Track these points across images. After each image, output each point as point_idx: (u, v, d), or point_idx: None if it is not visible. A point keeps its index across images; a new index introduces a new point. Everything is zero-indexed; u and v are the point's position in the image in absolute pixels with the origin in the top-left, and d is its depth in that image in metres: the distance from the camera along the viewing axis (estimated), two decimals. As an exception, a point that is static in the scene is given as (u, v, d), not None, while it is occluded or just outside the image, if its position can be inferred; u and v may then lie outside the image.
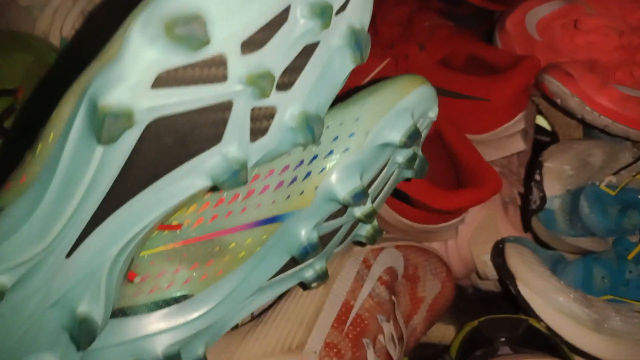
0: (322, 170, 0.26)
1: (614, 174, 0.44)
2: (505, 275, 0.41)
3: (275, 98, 0.22)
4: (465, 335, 0.41)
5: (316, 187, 0.26)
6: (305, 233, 0.26)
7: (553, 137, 0.55)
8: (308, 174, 0.26)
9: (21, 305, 0.22)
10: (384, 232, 0.47)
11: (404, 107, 0.26)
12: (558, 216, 0.43)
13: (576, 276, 0.42)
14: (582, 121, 0.48)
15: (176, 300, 0.25)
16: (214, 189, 0.23)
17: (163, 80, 0.19)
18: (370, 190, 0.28)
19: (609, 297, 0.40)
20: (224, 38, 0.19)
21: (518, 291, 0.40)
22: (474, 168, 0.42)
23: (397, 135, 0.26)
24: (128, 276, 0.25)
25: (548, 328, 0.39)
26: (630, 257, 0.42)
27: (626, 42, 0.47)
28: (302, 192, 0.26)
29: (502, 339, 0.40)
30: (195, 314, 0.25)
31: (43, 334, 0.22)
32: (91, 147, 0.19)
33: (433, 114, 0.29)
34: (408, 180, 0.32)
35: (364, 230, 0.31)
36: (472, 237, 0.46)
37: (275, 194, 0.26)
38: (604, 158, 0.45)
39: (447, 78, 0.46)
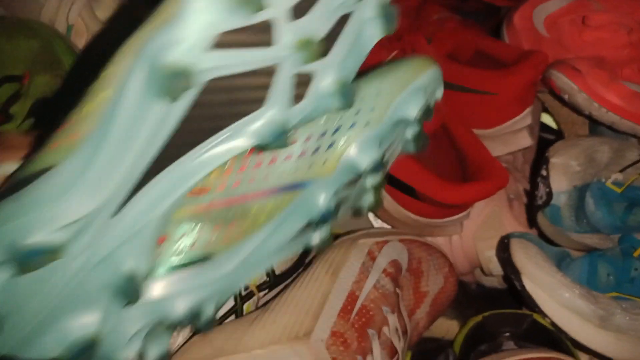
0: (345, 141, 0.27)
1: (621, 171, 0.44)
2: (510, 270, 0.40)
3: (315, 64, 0.23)
4: (469, 330, 0.41)
5: (339, 157, 0.27)
6: (324, 200, 0.27)
7: (558, 135, 0.55)
8: (331, 144, 0.27)
9: (67, 264, 0.22)
10: (389, 225, 0.47)
11: (419, 86, 0.28)
12: (564, 212, 0.43)
13: (581, 273, 0.41)
14: (589, 117, 0.48)
15: (198, 262, 0.25)
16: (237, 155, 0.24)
17: (220, 42, 0.20)
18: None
19: (614, 294, 0.40)
20: (278, 1, 0.20)
21: (523, 286, 0.39)
22: (481, 162, 0.41)
23: (413, 111, 0.28)
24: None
25: (553, 324, 0.39)
26: (636, 254, 0.41)
27: (634, 39, 0.47)
28: (325, 162, 0.27)
29: (507, 334, 0.39)
30: (217, 275, 0.26)
31: (86, 293, 0.23)
32: (151, 105, 0.20)
33: (439, 93, 0.31)
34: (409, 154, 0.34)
35: (367, 200, 0.33)
36: (477, 232, 0.46)
37: (297, 163, 0.27)
38: (610, 155, 0.45)
39: (454, 72, 0.46)
